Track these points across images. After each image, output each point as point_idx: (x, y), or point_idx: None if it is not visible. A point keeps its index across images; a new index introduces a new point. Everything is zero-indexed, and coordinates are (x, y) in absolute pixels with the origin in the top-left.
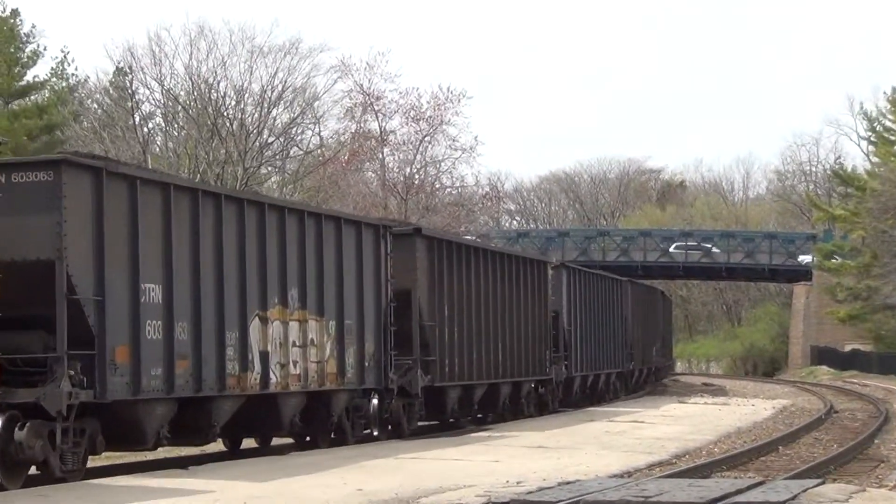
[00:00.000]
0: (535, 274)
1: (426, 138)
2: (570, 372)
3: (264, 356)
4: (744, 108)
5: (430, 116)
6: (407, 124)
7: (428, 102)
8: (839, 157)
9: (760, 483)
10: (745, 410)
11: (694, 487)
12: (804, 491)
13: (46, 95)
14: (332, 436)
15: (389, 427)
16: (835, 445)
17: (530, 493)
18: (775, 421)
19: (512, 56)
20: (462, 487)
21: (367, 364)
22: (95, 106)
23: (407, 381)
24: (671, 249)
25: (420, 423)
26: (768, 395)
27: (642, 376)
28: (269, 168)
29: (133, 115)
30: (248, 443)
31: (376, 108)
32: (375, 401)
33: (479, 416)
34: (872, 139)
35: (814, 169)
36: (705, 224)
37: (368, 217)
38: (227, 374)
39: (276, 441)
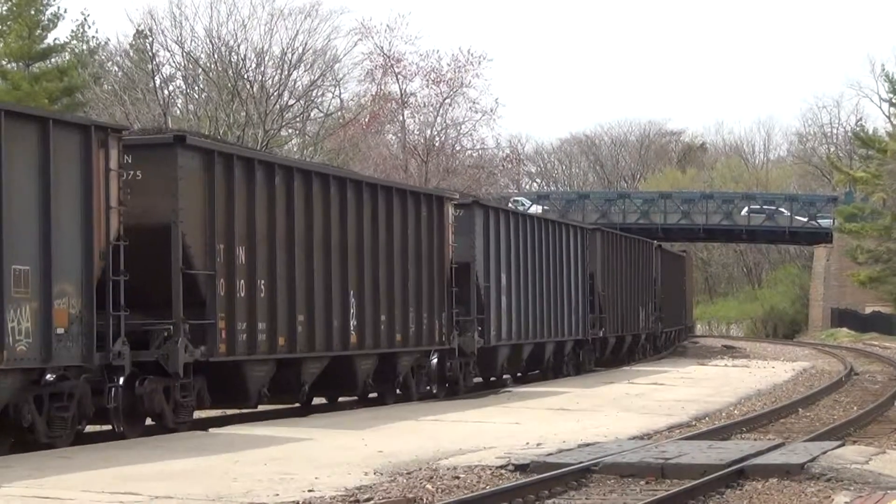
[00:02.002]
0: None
1: (446, 101)
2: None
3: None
4: (765, 70)
5: (451, 79)
6: (427, 87)
7: (448, 65)
8: (860, 119)
9: (780, 445)
10: (765, 373)
11: (713, 449)
12: (824, 453)
13: (67, 58)
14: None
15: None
16: (854, 407)
17: (550, 454)
18: (795, 383)
19: (532, 18)
20: (482, 449)
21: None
22: (116, 69)
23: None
24: (742, 213)
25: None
26: (788, 357)
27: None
28: (290, 130)
29: (153, 78)
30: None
31: (396, 70)
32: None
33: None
34: (894, 101)
35: (835, 131)
36: (726, 186)
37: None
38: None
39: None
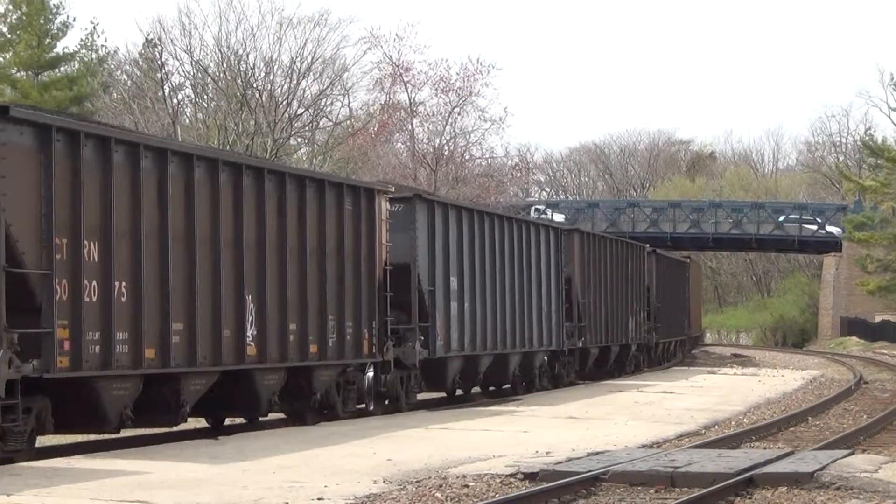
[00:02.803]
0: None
1: (455, 109)
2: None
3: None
4: (774, 79)
5: (460, 88)
6: (436, 95)
7: (457, 74)
8: (869, 128)
9: (790, 453)
10: (775, 381)
11: (723, 458)
12: (833, 461)
13: (76, 67)
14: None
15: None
16: (864, 416)
17: (559, 463)
18: (805, 392)
19: (541, 27)
20: (491, 458)
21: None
22: (125, 77)
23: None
24: (784, 223)
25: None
26: (798, 365)
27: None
28: (299, 139)
29: (162, 87)
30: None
31: (405, 79)
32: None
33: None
34: None
35: (844, 140)
36: (735, 195)
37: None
38: None
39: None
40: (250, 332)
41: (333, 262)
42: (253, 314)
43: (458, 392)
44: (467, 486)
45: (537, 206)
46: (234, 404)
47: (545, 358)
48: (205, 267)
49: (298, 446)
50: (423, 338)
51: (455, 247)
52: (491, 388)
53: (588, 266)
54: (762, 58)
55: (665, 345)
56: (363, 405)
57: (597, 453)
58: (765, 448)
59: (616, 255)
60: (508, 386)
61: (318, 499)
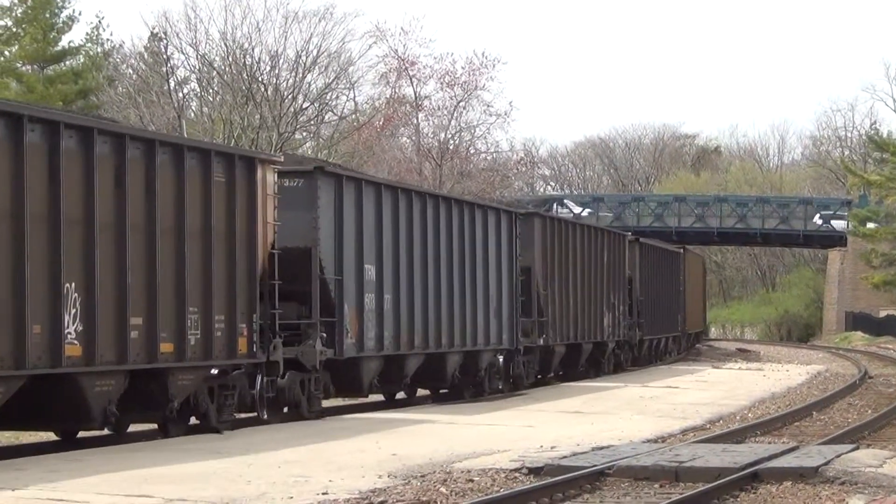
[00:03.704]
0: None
1: (461, 104)
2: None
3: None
4: (779, 73)
5: (465, 82)
6: (441, 90)
7: (462, 68)
8: (874, 123)
9: (794, 448)
10: (779, 376)
11: (728, 453)
12: (838, 456)
13: (81, 61)
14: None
15: (286, 408)
16: (869, 411)
17: (564, 457)
18: (809, 386)
19: (546, 21)
20: (496, 452)
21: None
22: (130, 71)
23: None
24: (815, 220)
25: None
26: (802, 360)
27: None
28: (304, 133)
29: (168, 81)
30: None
31: (411, 73)
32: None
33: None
34: None
35: (849, 134)
36: (740, 189)
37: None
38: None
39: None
40: (72, 327)
41: (197, 244)
42: (77, 306)
43: (400, 397)
44: (472, 481)
45: (564, 201)
46: (52, 415)
47: (499, 358)
48: (1, 248)
49: (303, 441)
50: (325, 335)
51: (373, 229)
52: (424, 394)
53: (552, 254)
54: (768, 52)
55: (653, 342)
56: (256, 413)
57: (601, 448)
58: (769, 443)
59: (588, 243)
60: (446, 391)
61: (323, 493)
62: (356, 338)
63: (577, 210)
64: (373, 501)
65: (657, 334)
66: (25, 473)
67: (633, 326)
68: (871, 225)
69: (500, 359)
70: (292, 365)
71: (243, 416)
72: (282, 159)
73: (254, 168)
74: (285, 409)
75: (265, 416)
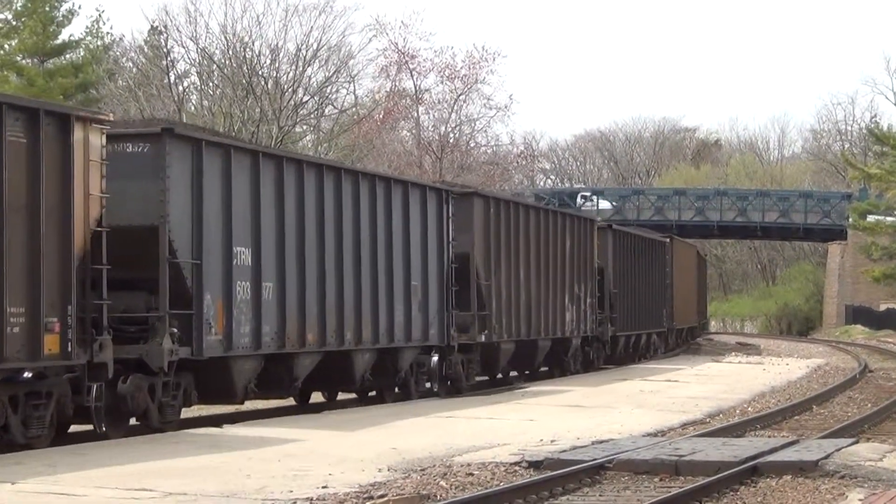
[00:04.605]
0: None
1: (461, 97)
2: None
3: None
4: (779, 66)
5: (465, 75)
6: (442, 83)
7: (463, 61)
8: (875, 116)
9: (794, 442)
10: (780, 369)
11: (727, 446)
12: (838, 450)
13: (81, 54)
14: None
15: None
16: (869, 405)
17: (564, 451)
18: (809, 380)
19: (547, 14)
20: (496, 446)
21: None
22: (130, 65)
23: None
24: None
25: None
26: (802, 354)
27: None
28: (304, 127)
29: (168, 74)
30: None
31: (411, 66)
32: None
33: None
34: None
35: (849, 128)
36: (740, 183)
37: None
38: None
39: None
40: None
41: None
42: None
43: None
44: (472, 475)
45: (584, 193)
46: None
47: (433, 357)
48: None
49: (303, 434)
50: (178, 330)
51: (247, 206)
52: (320, 401)
53: (497, 240)
54: (768, 45)
55: (630, 339)
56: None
57: (601, 441)
58: (769, 436)
59: (546, 227)
60: (354, 395)
61: (323, 487)
62: (223, 333)
63: (604, 204)
64: (372, 495)
65: (635, 330)
66: (25, 467)
67: (605, 321)
68: (872, 218)
69: (434, 358)
70: (140, 367)
71: (80, 428)
72: (111, 117)
73: (68, 127)
74: (132, 421)
75: (103, 430)
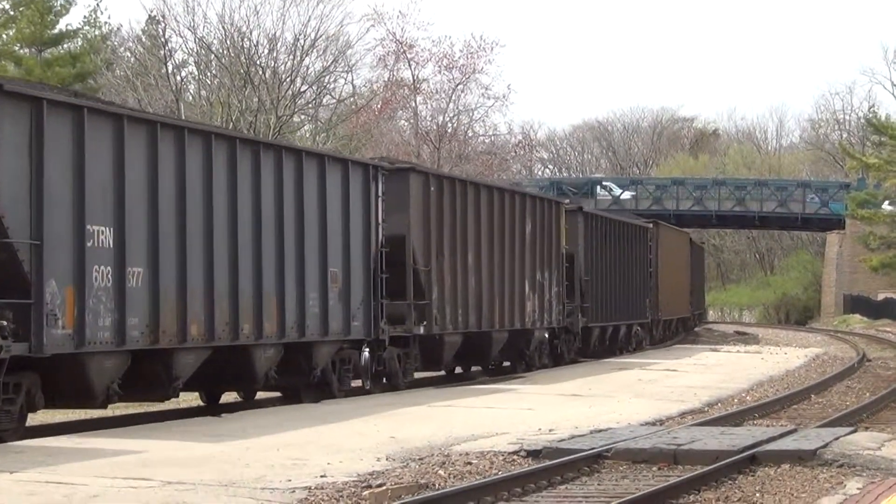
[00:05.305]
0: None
1: (459, 87)
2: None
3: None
4: (778, 56)
5: (463, 65)
6: (440, 73)
7: (461, 51)
8: (873, 106)
9: (792, 431)
10: (778, 359)
11: (726, 435)
12: (836, 439)
13: (79, 44)
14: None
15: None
16: (867, 394)
17: (562, 440)
18: (808, 369)
19: (545, 4)
20: (494, 435)
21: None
22: (128, 54)
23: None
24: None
25: None
26: (800, 343)
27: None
28: (302, 116)
29: (166, 64)
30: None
31: (409, 56)
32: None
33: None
34: None
35: (847, 117)
36: (738, 173)
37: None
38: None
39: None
40: None
41: None
42: None
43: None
44: (470, 464)
45: (604, 183)
46: None
47: (364, 352)
48: None
49: (301, 424)
50: (9, 322)
51: (109, 178)
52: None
53: (439, 222)
54: (766, 35)
55: (606, 330)
56: None
57: (600, 431)
58: (768, 426)
59: (500, 209)
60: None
61: (321, 476)
62: (74, 326)
63: (618, 192)
64: (371, 484)
65: (612, 321)
66: (24, 456)
67: (575, 311)
68: (888, 206)
69: (366, 353)
70: None
71: None
72: None
73: None
74: None
75: None
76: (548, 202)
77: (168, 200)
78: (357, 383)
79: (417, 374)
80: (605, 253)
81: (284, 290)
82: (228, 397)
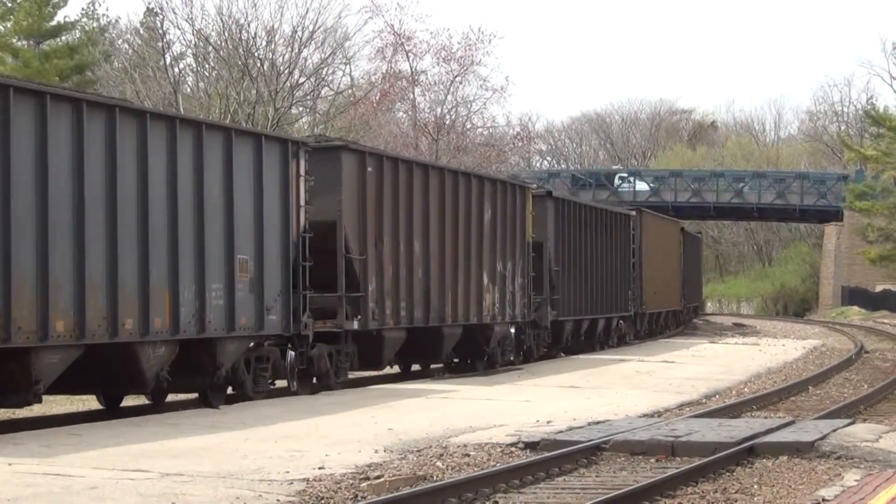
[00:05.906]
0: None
1: (457, 79)
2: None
3: None
4: (776, 48)
5: (461, 57)
6: (438, 65)
7: (459, 43)
8: (871, 98)
9: (790, 423)
10: (776, 350)
11: (724, 427)
12: (834, 431)
13: (77, 36)
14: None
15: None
16: (865, 385)
17: (560, 432)
18: (805, 361)
19: None
20: (492, 427)
21: None
22: (126, 46)
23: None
24: None
25: None
26: (799, 335)
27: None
28: (300, 108)
29: (164, 56)
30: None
31: (407, 48)
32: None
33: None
34: None
35: (845, 109)
36: (737, 164)
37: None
38: None
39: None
40: None
41: None
42: None
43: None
44: (468, 455)
45: (621, 174)
46: None
47: (290, 354)
48: None
49: (299, 416)
50: None
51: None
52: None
53: (378, 206)
54: (764, 27)
55: (581, 324)
56: None
57: (598, 422)
58: (766, 417)
59: (456, 194)
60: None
61: (320, 468)
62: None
63: (641, 186)
64: (369, 476)
65: (587, 314)
66: (22, 447)
67: (544, 304)
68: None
69: (291, 356)
70: None
71: None
72: None
73: None
74: None
75: None
76: (511, 186)
77: (26, 173)
78: (284, 383)
79: (364, 374)
80: (579, 242)
81: (178, 279)
82: (137, 400)
